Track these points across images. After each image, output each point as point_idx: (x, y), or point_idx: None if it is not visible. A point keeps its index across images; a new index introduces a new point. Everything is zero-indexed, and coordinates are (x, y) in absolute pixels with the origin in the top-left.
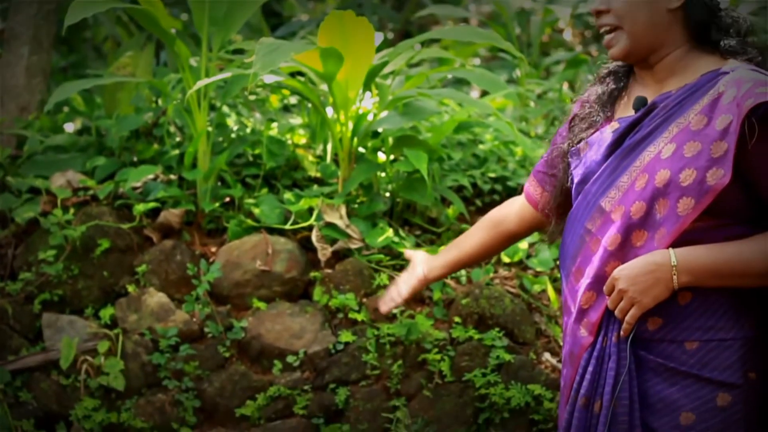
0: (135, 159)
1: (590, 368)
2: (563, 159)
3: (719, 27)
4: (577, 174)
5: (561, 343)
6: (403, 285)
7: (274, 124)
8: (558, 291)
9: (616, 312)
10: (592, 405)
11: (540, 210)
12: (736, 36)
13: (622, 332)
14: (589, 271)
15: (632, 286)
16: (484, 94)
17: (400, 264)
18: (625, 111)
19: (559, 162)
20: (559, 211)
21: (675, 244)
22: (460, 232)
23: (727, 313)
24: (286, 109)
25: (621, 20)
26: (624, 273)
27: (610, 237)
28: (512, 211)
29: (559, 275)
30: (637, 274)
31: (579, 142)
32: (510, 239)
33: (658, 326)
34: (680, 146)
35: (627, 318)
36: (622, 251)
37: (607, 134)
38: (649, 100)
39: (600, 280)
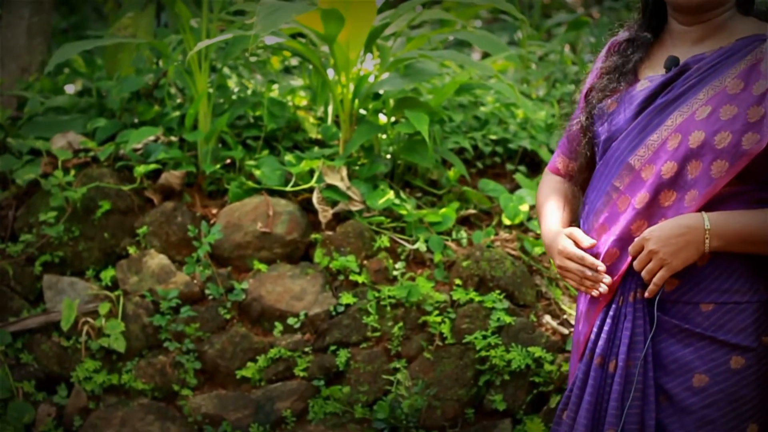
0: (136, 120)
1: (606, 327)
2: (584, 134)
3: None
4: (603, 131)
5: (561, 306)
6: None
7: (275, 86)
8: None
9: (644, 273)
10: (607, 364)
11: (574, 182)
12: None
13: (647, 293)
14: (615, 229)
15: (663, 247)
16: (485, 56)
17: (400, 226)
18: (652, 70)
19: (579, 123)
20: (581, 171)
21: (702, 207)
22: (461, 194)
23: (743, 277)
24: (287, 70)
25: None
26: (655, 234)
27: (638, 195)
28: (569, 188)
29: None
30: (669, 236)
31: (604, 99)
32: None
33: (675, 287)
34: (716, 109)
35: (655, 279)
36: (649, 210)
37: (637, 92)
38: (681, 61)
39: (625, 237)
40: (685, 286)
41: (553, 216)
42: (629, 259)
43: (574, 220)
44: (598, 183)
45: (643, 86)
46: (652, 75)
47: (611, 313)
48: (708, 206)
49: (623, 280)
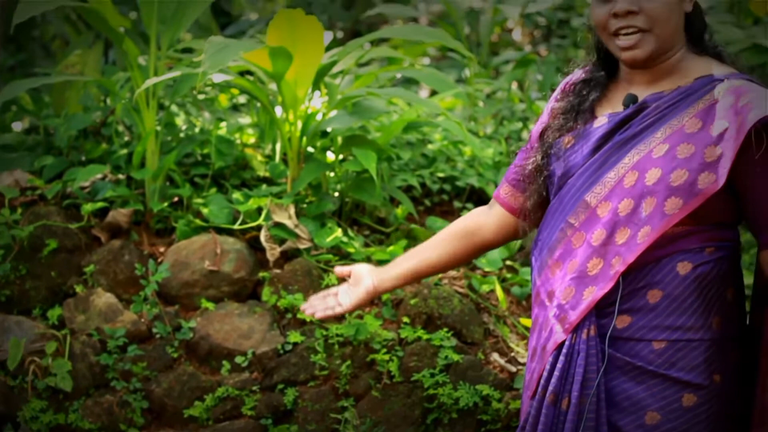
0: (83, 158)
1: (559, 364)
2: (538, 174)
3: (706, 30)
4: (559, 167)
5: (509, 344)
6: (345, 296)
7: (223, 124)
8: (507, 291)
9: None
10: (560, 401)
11: (519, 215)
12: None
13: None
14: (571, 266)
15: None
16: (433, 93)
17: (348, 264)
18: (609, 107)
19: (534, 163)
20: (535, 211)
21: (654, 245)
22: (409, 231)
23: (695, 314)
24: (235, 108)
25: (653, 23)
26: None
27: (595, 232)
28: (489, 220)
29: (507, 276)
30: None
31: (559, 137)
32: (484, 249)
33: (627, 324)
34: (673, 147)
35: None
36: (605, 248)
37: (595, 128)
38: (640, 99)
39: (582, 275)
40: (638, 324)
41: (407, 260)
42: (589, 297)
43: (434, 266)
44: (552, 219)
45: (601, 123)
46: (610, 112)
47: (564, 350)
48: (660, 245)
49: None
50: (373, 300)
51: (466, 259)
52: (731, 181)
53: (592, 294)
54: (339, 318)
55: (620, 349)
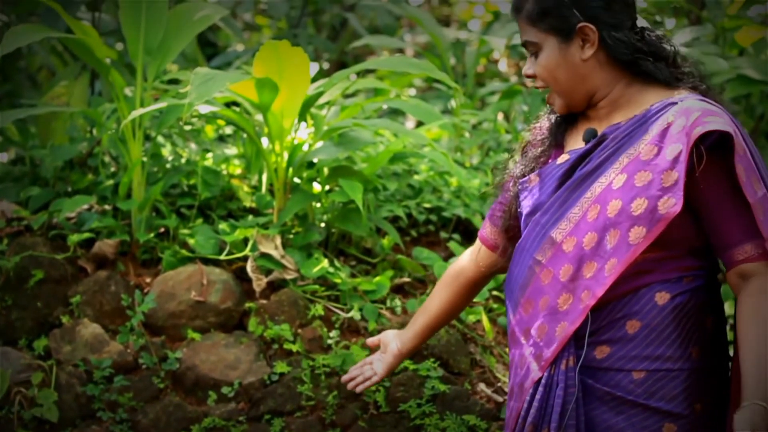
0: (69, 189)
1: (538, 396)
2: (514, 184)
3: (647, 58)
4: (526, 205)
5: (496, 374)
6: (379, 363)
7: (209, 155)
8: (493, 322)
9: None
10: None
11: (499, 252)
12: (668, 63)
13: None
14: (542, 303)
15: None
16: (419, 124)
17: (335, 294)
18: (574, 144)
19: (510, 198)
20: (511, 245)
21: (625, 275)
22: (396, 262)
23: (674, 344)
24: (222, 139)
25: (546, 82)
26: None
27: (562, 268)
28: (468, 259)
29: (494, 306)
30: None
31: (528, 173)
32: (473, 288)
33: (606, 355)
34: (631, 176)
35: None
36: (574, 282)
37: (557, 166)
38: (599, 132)
39: (553, 311)
40: (617, 354)
41: (417, 318)
42: (562, 333)
43: (439, 316)
44: (520, 257)
45: (563, 159)
46: (572, 148)
47: (543, 381)
48: (635, 276)
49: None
50: (360, 330)
51: (462, 302)
52: (691, 201)
53: (564, 330)
54: (325, 348)
55: (600, 379)
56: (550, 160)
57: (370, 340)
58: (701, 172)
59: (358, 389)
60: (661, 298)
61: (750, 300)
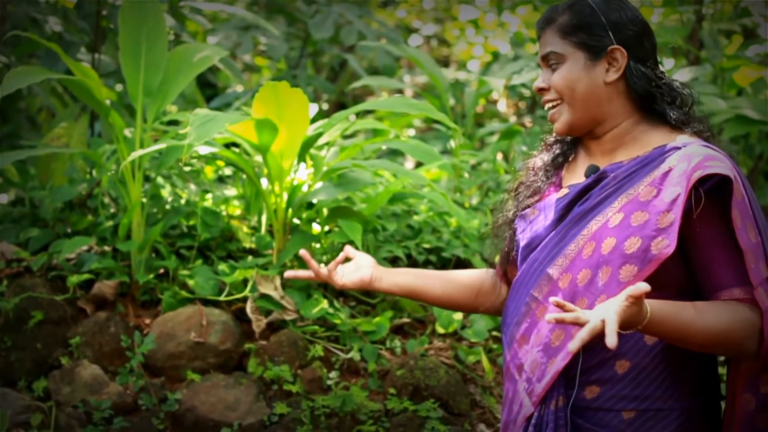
0: (69, 230)
1: None
2: (509, 226)
3: (663, 98)
4: (523, 239)
5: (496, 414)
6: (340, 274)
7: (209, 195)
8: (493, 362)
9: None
10: None
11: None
12: (682, 107)
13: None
14: (536, 339)
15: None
16: (418, 164)
17: (334, 335)
18: (573, 178)
19: (506, 230)
20: (507, 278)
21: None
22: (395, 302)
23: (664, 383)
24: (221, 180)
25: (561, 95)
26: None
27: None
28: (492, 288)
29: (493, 346)
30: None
31: (526, 208)
32: (485, 310)
33: (596, 395)
34: (628, 216)
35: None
36: None
37: (557, 199)
38: (601, 169)
39: (547, 348)
40: (606, 394)
41: (408, 275)
42: (552, 369)
43: (431, 299)
44: (517, 293)
45: (563, 194)
46: (572, 183)
47: (533, 421)
48: None
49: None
50: (359, 370)
51: (464, 310)
52: (683, 242)
53: (555, 365)
54: (325, 389)
55: (590, 419)
56: (547, 195)
57: (347, 250)
58: (698, 214)
59: (288, 274)
60: (650, 338)
61: (719, 303)
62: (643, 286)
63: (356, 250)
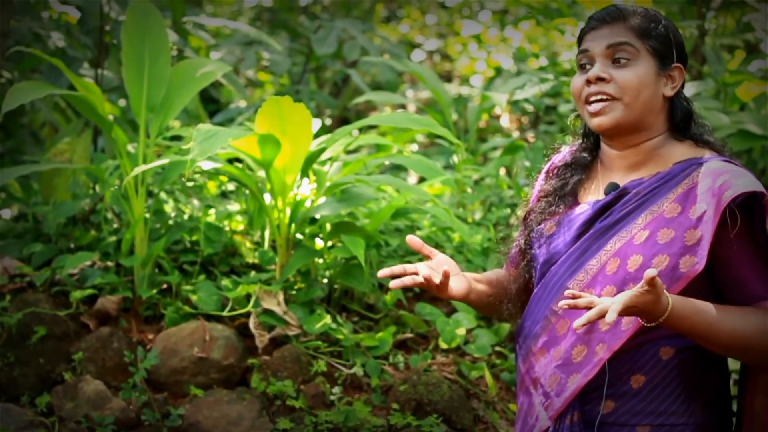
0: (72, 245)
1: None
2: (522, 244)
3: (694, 117)
4: (542, 254)
5: (499, 429)
6: (429, 271)
7: (212, 211)
8: (496, 377)
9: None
10: None
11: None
12: (704, 126)
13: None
14: (556, 353)
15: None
16: (421, 180)
17: (337, 350)
18: (591, 195)
19: (518, 246)
20: (519, 295)
21: (637, 331)
22: (398, 318)
23: (678, 399)
24: (224, 195)
25: (623, 92)
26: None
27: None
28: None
29: (497, 362)
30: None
31: (541, 223)
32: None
33: (611, 410)
34: (654, 233)
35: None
36: (589, 335)
37: (576, 215)
38: (621, 185)
39: (567, 362)
40: (621, 409)
41: (480, 282)
42: (573, 385)
43: (479, 294)
44: (536, 307)
45: (583, 210)
46: (591, 199)
47: None
48: (642, 331)
49: None
50: (362, 386)
51: (498, 311)
52: (710, 261)
53: (577, 381)
54: (328, 404)
55: None
56: (566, 211)
57: (420, 244)
58: (735, 234)
59: (394, 285)
60: (666, 353)
61: (748, 309)
62: (652, 271)
63: (428, 248)
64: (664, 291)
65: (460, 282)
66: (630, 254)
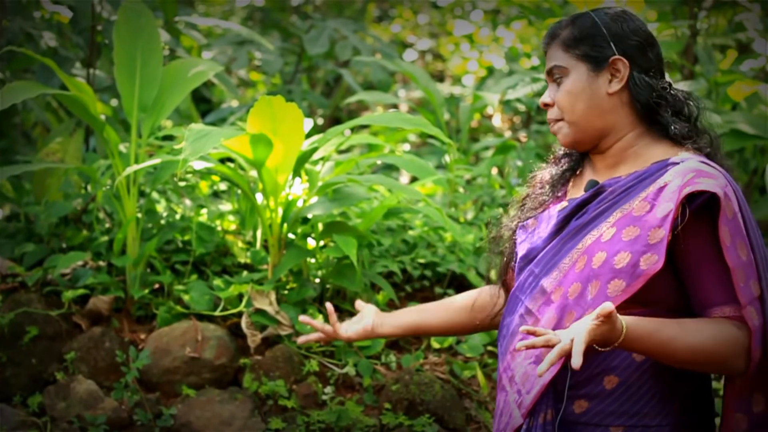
0: (64, 245)
1: None
2: (510, 238)
3: (667, 108)
4: (521, 249)
5: (491, 429)
6: (345, 328)
7: (204, 211)
8: (488, 377)
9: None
10: None
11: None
12: (689, 118)
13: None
14: (528, 351)
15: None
16: (413, 179)
17: (330, 350)
18: (576, 192)
19: (507, 240)
20: (507, 288)
21: None
22: None
23: (652, 400)
24: (216, 195)
25: (562, 112)
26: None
27: (548, 317)
28: (488, 300)
29: (489, 361)
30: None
31: (528, 219)
32: (487, 328)
33: (584, 410)
34: (620, 230)
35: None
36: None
37: (556, 212)
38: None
39: (538, 360)
40: (595, 409)
41: (411, 313)
42: (540, 381)
43: (433, 330)
44: (514, 305)
45: (562, 207)
46: (572, 197)
47: None
48: None
49: (536, 402)
50: (354, 385)
51: (466, 331)
52: (673, 258)
53: (543, 378)
54: (320, 404)
55: None
56: (550, 207)
57: (359, 303)
58: (688, 231)
59: (300, 340)
60: (639, 354)
61: (704, 321)
62: (608, 306)
63: (363, 303)
64: (618, 317)
65: (384, 319)
66: (596, 251)
